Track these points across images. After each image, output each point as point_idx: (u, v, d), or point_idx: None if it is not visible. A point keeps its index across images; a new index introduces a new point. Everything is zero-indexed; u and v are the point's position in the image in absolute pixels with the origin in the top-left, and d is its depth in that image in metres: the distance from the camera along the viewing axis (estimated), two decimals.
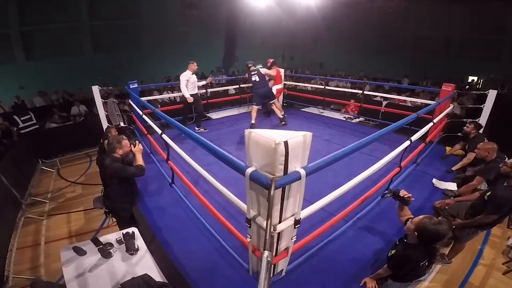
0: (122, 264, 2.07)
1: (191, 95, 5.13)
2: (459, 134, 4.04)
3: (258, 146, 1.48)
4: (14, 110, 7.61)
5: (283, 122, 5.59)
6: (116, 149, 2.57)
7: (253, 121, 5.34)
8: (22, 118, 6.17)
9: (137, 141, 2.74)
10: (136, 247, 2.21)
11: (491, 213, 2.36)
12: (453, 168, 3.70)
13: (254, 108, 5.36)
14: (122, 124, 5.01)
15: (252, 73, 5.25)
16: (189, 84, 5.15)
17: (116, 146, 2.57)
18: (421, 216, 1.80)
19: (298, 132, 1.50)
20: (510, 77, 9.53)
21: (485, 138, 3.73)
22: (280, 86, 6.32)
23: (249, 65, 5.37)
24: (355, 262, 2.26)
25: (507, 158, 2.90)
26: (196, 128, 5.45)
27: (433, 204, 2.93)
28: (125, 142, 2.63)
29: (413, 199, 2.12)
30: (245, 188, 1.64)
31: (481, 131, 3.94)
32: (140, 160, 2.66)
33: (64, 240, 3.65)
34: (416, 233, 1.76)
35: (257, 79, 5.21)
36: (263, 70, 5.36)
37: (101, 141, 3.78)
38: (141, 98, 4.87)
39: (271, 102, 5.52)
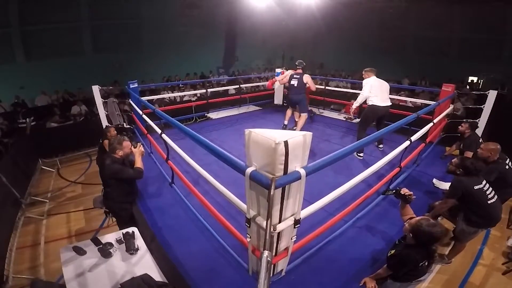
0: (122, 264, 2.07)
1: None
2: (458, 134, 4.05)
3: (258, 146, 1.48)
4: (16, 108, 7.66)
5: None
6: (117, 150, 2.57)
7: (285, 122, 5.22)
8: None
9: (138, 143, 2.74)
10: (136, 247, 2.21)
11: (447, 196, 2.58)
12: None
13: (289, 110, 5.18)
14: (125, 125, 5.01)
15: (295, 76, 4.81)
16: None
17: (117, 147, 2.57)
18: (418, 218, 1.81)
19: (298, 132, 1.50)
20: (510, 77, 9.52)
21: (480, 138, 3.75)
22: None
23: (298, 67, 4.88)
24: (355, 262, 2.26)
25: (508, 159, 2.90)
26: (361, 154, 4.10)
27: (431, 204, 2.94)
28: (126, 143, 2.64)
29: (414, 197, 2.13)
30: (244, 188, 1.64)
31: (479, 131, 3.95)
32: (139, 163, 2.66)
33: (64, 240, 3.65)
34: (411, 234, 1.77)
35: (295, 85, 4.78)
36: (306, 78, 4.75)
37: (101, 141, 3.79)
38: (142, 98, 4.87)
39: (301, 113, 4.97)
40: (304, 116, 4.95)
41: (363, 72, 4.22)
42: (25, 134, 5.97)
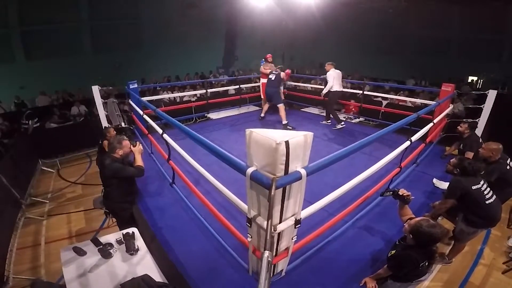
0: (122, 264, 2.07)
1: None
2: (457, 134, 4.05)
3: (259, 146, 1.48)
4: (20, 108, 7.68)
5: (290, 128, 5.42)
6: (116, 149, 2.58)
7: (262, 115, 6.05)
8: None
9: (137, 142, 2.75)
10: (136, 247, 2.20)
11: (446, 196, 2.59)
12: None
13: (266, 104, 6.02)
14: (123, 124, 5.01)
15: (274, 72, 5.61)
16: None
17: (117, 146, 2.58)
18: (417, 218, 1.81)
19: (299, 132, 1.50)
20: (510, 77, 9.52)
21: (480, 138, 3.74)
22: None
23: (278, 68, 5.76)
24: (355, 262, 2.26)
25: (509, 160, 2.90)
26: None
27: (432, 204, 2.94)
28: (126, 142, 2.64)
29: (412, 197, 2.13)
30: (245, 188, 1.64)
31: (479, 131, 3.94)
32: (139, 161, 2.67)
33: (64, 240, 3.65)
34: (411, 235, 1.77)
35: (272, 79, 5.56)
36: (282, 75, 5.64)
37: (100, 142, 3.79)
38: (142, 98, 4.86)
39: (277, 105, 5.55)
40: (281, 106, 5.57)
41: (326, 65, 5.38)
42: (26, 135, 6.02)
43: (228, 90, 7.89)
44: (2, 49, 9.08)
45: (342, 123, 5.41)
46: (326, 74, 5.37)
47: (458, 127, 3.76)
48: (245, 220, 1.75)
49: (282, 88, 6.29)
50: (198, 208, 2.79)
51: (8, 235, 3.58)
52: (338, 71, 5.25)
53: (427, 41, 11.89)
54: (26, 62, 9.66)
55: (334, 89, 5.24)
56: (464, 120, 4.08)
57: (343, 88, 8.23)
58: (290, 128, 5.36)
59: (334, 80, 5.16)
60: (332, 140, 4.95)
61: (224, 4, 11.94)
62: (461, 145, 3.72)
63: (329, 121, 5.74)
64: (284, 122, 5.45)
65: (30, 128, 6.12)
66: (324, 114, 6.03)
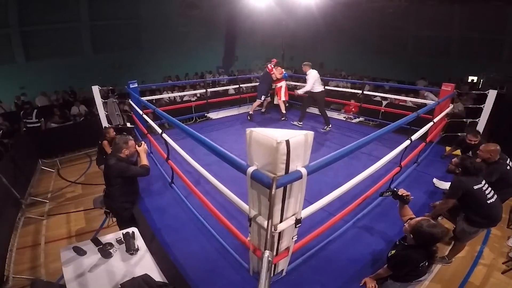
0: (122, 264, 2.07)
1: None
2: (459, 134, 4.03)
3: (260, 145, 1.48)
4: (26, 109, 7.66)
5: (249, 118, 5.99)
6: (123, 149, 2.58)
7: (262, 110, 6.41)
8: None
9: (142, 142, 2.78)
10: (136, 247, 2.20)
11: (447, 196, 2.59)
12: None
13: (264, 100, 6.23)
14: (128, 124, 5.01)
15: (264, 68, 6.08)
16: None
17: (123, 146, 2.59)
18: (418, 218, 1.81)
19: (299, 131, 1.50)
20: (509, 77, 9.52)
21: (486, 141, 3.69)
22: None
23: (266, 64, 6.02)
24: (355, 262, 2.25)
25: (508, 160, 2.89)
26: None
27: (432, 204, 2.94)
28: (132, 142, 2.66)
29: (412, 197, 2.13)
30: (245, 187, 1.64)
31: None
32: (144, 160, 2.70)
33: (64, 240, 3.65)
34: (411, 235, 1.77)
35: (262, 74, 6.11)
36: (269, 69, 5.85)
37: (100, 142, 3.79)
38: (142, 98, 4.85)
39: (257, 98, 6.00)
40: (258, 101, 6.00)
41: (304, 65, 5.17)
42: (39, 132, 6.18)
43: (228, 89, 7.89)
44: (2, 49, 9.08)
45: (330, 125, 5.38)
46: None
47: (467, 140, 3.56)
48: (246, 220, 1.75)
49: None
50: (198, 207, 2.79)
51: (8, 235, 3.58)
52: (316, 71, 5.15)
53: (427, 41, 11.89)
54: (26, 62, 9.66)
55: (317, 90, 5.11)
56: (464, 119, 4.05)
57: (343, 88, 8.38)
58: (248, 118, 5.92)
59: (315, 81, 5.01)
60: (332, 139, 4.95)
61: (224, 4, 11.93)
62: (470, 153, 3.60)
63: (301, 123, 5.55)
64: (250, 112, 5.97)
65: (42, 125, 6.31)
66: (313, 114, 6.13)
